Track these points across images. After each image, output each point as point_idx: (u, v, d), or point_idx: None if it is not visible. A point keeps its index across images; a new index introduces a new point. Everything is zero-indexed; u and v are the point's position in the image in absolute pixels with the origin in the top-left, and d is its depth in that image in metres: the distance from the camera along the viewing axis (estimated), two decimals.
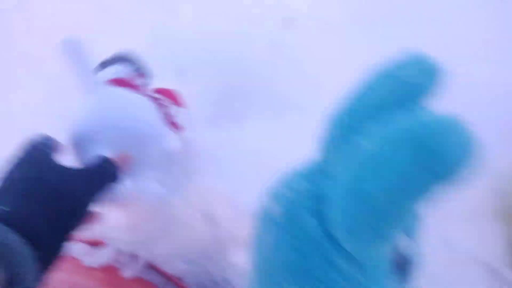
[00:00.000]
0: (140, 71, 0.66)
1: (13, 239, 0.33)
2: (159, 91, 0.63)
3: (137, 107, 0.55)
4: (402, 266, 0.27)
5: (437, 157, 0.18)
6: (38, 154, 0.41)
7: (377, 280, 0.25)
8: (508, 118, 0.67)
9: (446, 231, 0.57)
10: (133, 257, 0.66)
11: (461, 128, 0.19)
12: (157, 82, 0.67)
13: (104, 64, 0.65)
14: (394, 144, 0.20)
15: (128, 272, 0.64)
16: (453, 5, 0.82)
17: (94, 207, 0.45)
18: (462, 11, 0.80)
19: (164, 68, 0.90)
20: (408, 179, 0.19)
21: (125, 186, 0.50)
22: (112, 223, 0.66)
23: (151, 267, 0.65)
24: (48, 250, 0.37)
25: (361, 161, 0.21)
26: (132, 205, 0.59)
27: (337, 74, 0.86)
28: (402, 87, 0.23)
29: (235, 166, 0.69)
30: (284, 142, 0.74)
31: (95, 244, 0.68)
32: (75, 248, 0.66)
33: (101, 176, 0.45)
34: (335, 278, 0.23)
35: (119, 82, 0.60)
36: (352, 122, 0.24)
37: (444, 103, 0.22)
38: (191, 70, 0.89)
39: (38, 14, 0.95)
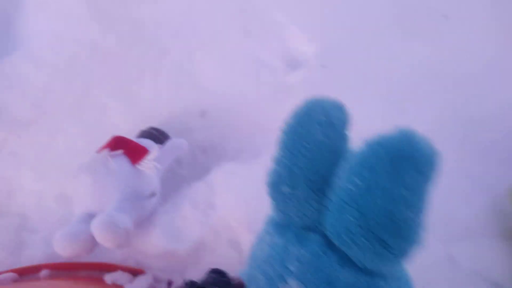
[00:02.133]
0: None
1: None
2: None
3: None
4: None
5: (414, 158, 0.24)
6: None
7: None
8: (506, 144, 0.70)
9: (451, 250, 0.59)
10: (169, 282, 0.75)
11: (419, 135, 0.25)
12: None
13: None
14: (373, 160, 0.25)
15: None
16: None
17: None
18: None
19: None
20: (397, 183, 0.24)
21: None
22: (150, 252, 0.76)
23: None
24: None
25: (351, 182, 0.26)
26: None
27: None
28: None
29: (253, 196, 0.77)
30: None
31: (136, 272, 0.78)
32: (117, 276, 0.76)
33: None
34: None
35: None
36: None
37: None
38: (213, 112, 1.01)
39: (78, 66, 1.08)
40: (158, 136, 0.92)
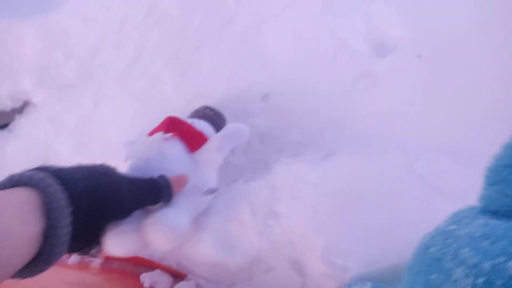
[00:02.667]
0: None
1: (61, 196, 0.35)
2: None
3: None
4: None
5: None
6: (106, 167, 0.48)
7: None
8: None
9: None
10: None
11: None
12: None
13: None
14: None
15: None
16: None
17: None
18: None
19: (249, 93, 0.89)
20: None
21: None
22: (197, 259, 0.65)
23: None
24: (85, 229, 0.40)
25: None
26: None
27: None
28: None
29: (328, 210, 0.64)
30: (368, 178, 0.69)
31: (176, 275, 0.68)
32: (155, 277, 0.66)
33: (153, 188, 0.52)
34: None
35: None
36: None
37: None
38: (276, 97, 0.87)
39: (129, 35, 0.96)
40: (213, 118, 0.79)
